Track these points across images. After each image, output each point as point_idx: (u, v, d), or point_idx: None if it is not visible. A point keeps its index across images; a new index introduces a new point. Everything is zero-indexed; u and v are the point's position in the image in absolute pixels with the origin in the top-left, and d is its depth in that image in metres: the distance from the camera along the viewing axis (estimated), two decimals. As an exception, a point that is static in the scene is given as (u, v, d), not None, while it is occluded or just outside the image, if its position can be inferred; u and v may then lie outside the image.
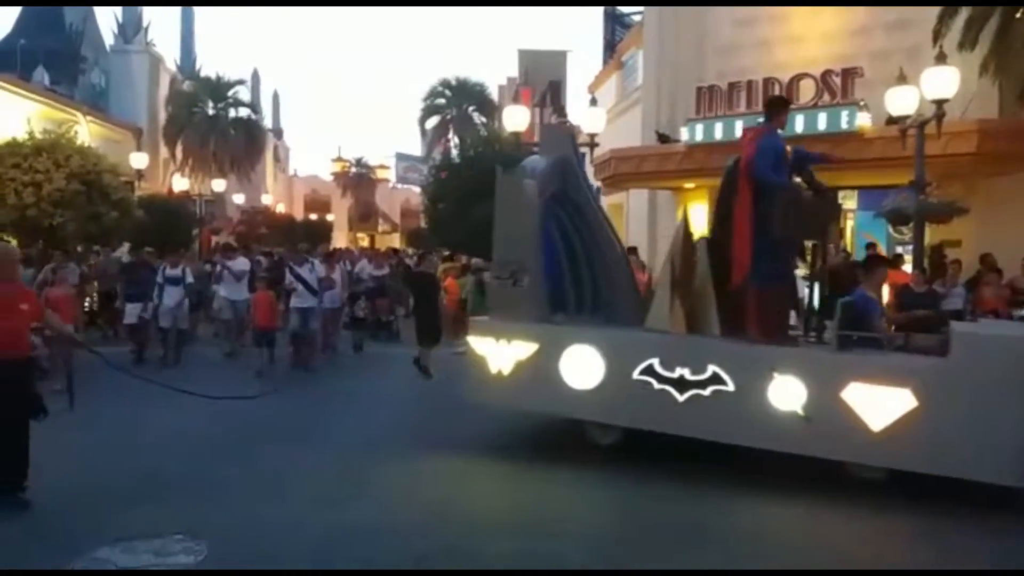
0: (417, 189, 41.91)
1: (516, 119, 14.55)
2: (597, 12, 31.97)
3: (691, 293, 6.96)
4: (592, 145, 14.54)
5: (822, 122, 14.40)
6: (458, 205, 18.85)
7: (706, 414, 6.48)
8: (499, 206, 7.60)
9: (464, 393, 7.77)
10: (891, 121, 12.37)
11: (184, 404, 7.81)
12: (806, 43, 15.98)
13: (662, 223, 18.72)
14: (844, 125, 14.13)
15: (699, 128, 15.82)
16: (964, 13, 11.67)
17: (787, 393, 6.20)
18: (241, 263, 13.18)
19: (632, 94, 21.92)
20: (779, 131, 6.87)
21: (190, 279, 12.42)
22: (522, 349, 7.26)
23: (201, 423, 8.04)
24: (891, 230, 15.50)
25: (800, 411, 6.13)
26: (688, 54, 17.84)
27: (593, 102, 15.65)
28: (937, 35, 11.69)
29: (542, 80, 35.35)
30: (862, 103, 14.05)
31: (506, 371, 7.34)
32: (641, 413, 6.79)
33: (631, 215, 21.12)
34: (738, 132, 15.31)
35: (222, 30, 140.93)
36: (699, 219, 17.69)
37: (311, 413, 8.90)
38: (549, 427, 7.80)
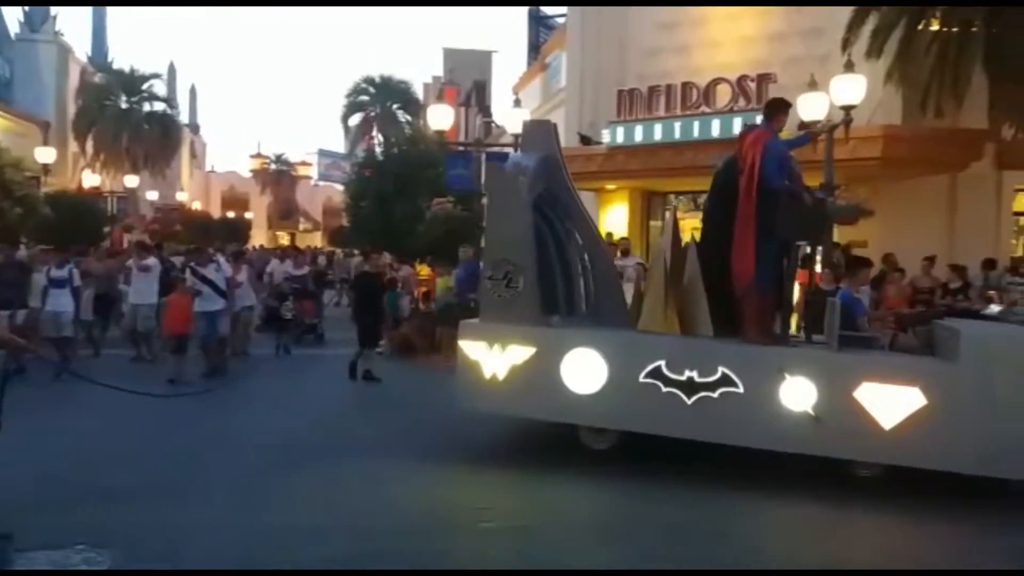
0: (340, 187, 41.25)
1: (440, 117, 14.52)
2: (522, 13, 32.15)
3: (680, 294, 6.95)
4: (516, 146, 14.62)
5: (737, 126, 14.78)
6: (381, 203, 18.70)
7: (715, 417, 6.41)
8: (491, 204, 7.37)
9: (456, 401, 7.37)
10: (803, 126, 12.82)
11: (97, 408, 7.50)
12: (724, 48, 16.40)
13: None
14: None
15: (620, 131, 16.08)
16: (871, 23, 12.19)
17: (798, 394, 6.22)
18: (151, 262, 12.56)
19: (556, 95, 22.12)
20: (779, 131, 6.95)
21: (77, 282, 11.41)
22: (519, 353, 6.95)
23: (117, 428, 7.74)
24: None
25: (811, 411, 6.16)
26: (610, 57, 18.10)
27: (517, 103, 15.74)
28: (846, 44, 12.17)
29: (467, 79, 35.33)
30: (775, 109, 14.50)
31: (501, 376, 7.00)
32: (647, 417, 6.64)
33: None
34: (657, 135, 15.72)
35: (137, 22, 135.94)
36: (618, 221, 18.08)
37: (231, 416, 8.67)
38: (513, 430, 7.78)
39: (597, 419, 6.91)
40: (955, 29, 11.31)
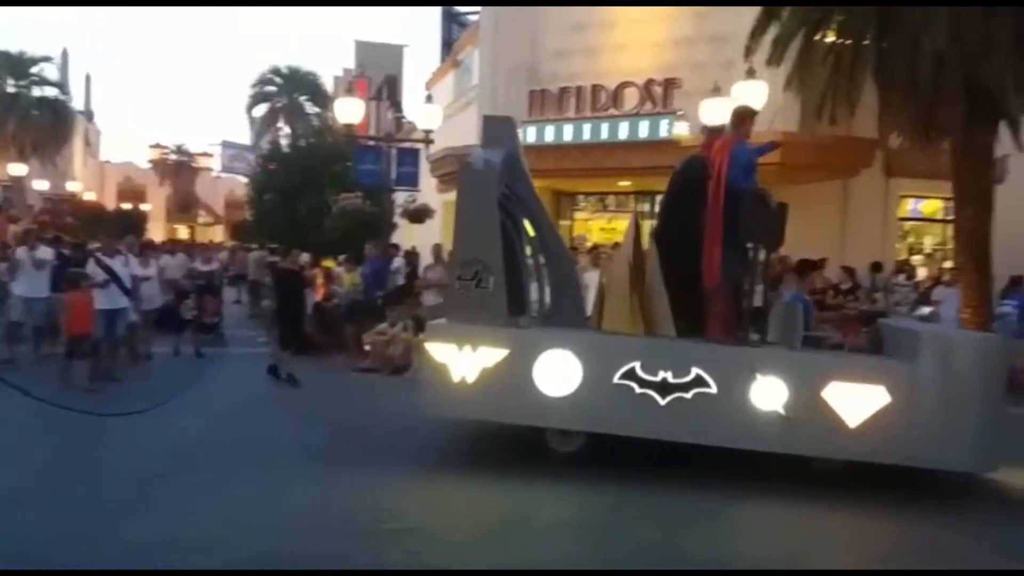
0: (243, 179, 40.02)
1: (350, 111, 14.24)
2: (435, 9, 31.92)
3: (642, 294, 6.94)
4: (427, 142, 14.51)
5: (644, 130, 15.15)
6: (286, 197, 18.23)
7: (689, 417, 6.45)
8: (462, 202, 7.08)
9: (421, 407, 7.10)
10: (706, 130, 13.18)
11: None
12: (632, 52, 16.71)
13: (496, 221, 18.94)
14: (664, 133, 14.93)
15: (531, 130, 16.16)
16: (772, 32, 12.63)
17: (769, 393, 6.35)
18: (43, 252, 11.72)
19: (468, 93, 22.05)
20: (747, 139, 7.07)
21: None
22: (490, 355, 6.73)
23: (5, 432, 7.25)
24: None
25: (781, 411, 6.31)
26: (522, 56, 18.17)
27: (429, 99, 15.60)
28: (748, 51, 12.56)
29: (379, 73, 34.73)
30: (680, 112, 14.88)
31: (471, 379, 6.77)
32: (621, 419, 6.60)
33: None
34: (567, 136, 15.88)
35: (28, 6, 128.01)
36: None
37: (127, 421, 8.23)
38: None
39: (571, 422, 6.80)
40: (849, 41, 11.82)
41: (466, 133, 19.25)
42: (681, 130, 14.81)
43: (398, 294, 13.01)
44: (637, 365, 6.54)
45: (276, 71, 40.88)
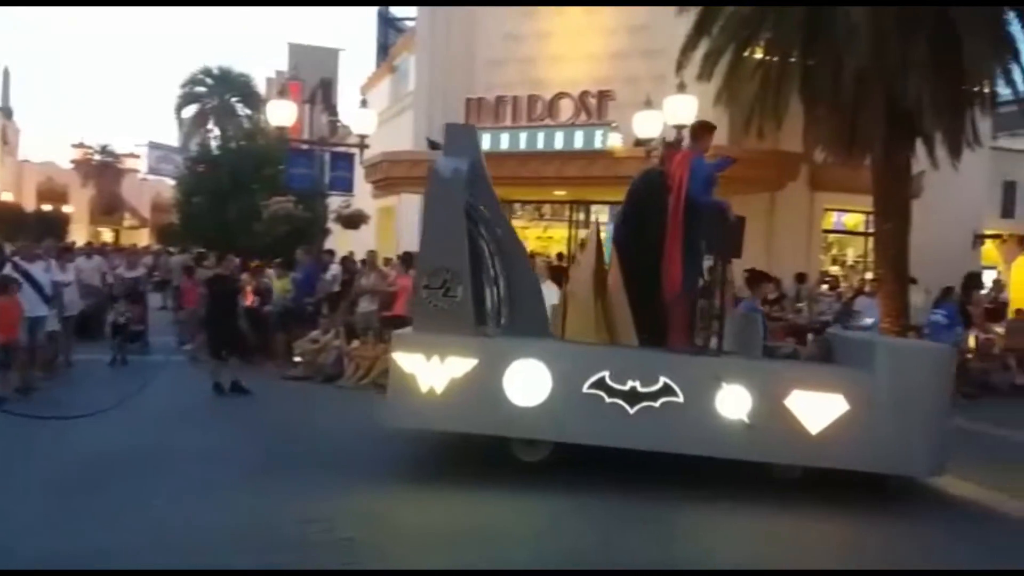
0: (171, 182, 38.92)
1: (282, 114, 13.98)
2: (372, 13, 31.69)
3: (604, 304, 6.99)
4: (362, 146, 14.37)
5: (579, 140, 15.32)
6: (215, 200, 17.83)
7: (657, 426, 6.47)
8: (429, 209, 7.02)
9: (384, 418, 7.00)
10: (639, 143, 13.42)
11: None
12: (567, 63, 16.90)
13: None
14: (598, 144, 15.12)
15: (468, 137, 16.15)
16: (703, 48, 12.93)
17: (733, 402, 6.47)
18: None
19: (404, 98, 21.95)
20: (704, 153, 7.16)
21: None
22: (459, 365, 6.63)
23: None
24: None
25: (745, 418, 6.42)
26: (459, 64, 18.18)
27: (364, 103, 15.44)
28: (679, 66, 12.84)
29: (313, 76, 34.29)
30: (614, 124, 15.10)
31: (439, 390, 6.64)
32: (591, 428, 6.58)
33: (403, 219, 21.11)
34: (503, 145, 15.93)
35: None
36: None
37: (48, 431, 7.88)
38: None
39: (540, 432, 6.74)
40: (776, 59, 12.19)
41: (402, 138, 19.18)
42: (615, 141, 15.01)
43: (333, 301, 12.82)
44: (607, 374, 6.56)
45: (207, 72, 39.97)
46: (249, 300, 13.92)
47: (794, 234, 16.47)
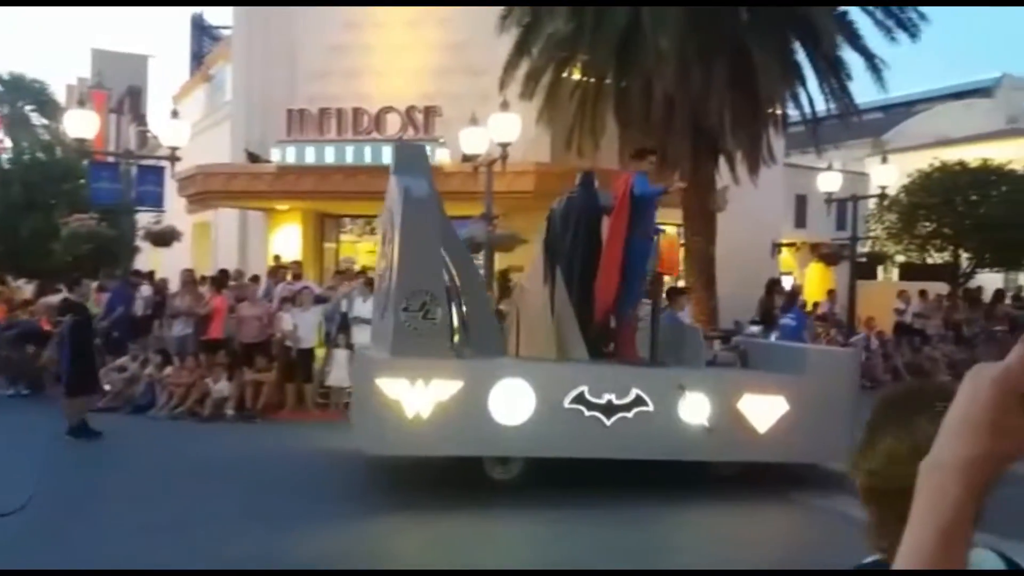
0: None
1: (83, 124, 12.92)
2: (184, 19, 30.04)
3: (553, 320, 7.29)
4: (173, 159, 13.54)
5: (407, 154, 15.23)
6: (7, 215, 16.18)
7: (631, 435, 6.83)
8: (405, 231, 6.83)
9: (368, 446, 6.85)
10: (466, 158, 13.57)
11: None
12: (393, 78, 16.79)
13: (253, 244, 18.12)
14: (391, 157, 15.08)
15: (290, 150, 15.68)
16: (524, 68, 13.30)
17: (696, 408, 6.99)
18: None
19: (221, 109, 20.94)
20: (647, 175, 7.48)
21: None
22: (444, 388, 6.56)
23: None
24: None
25: (705, 423, 6.94)
26: (279, 75, 17.59)
27: (175, 114, 14.58)
28: (503, 84, 13.13)
29: (120, 84, 32.09)
30: (442, 140, 15.17)
31: (425, 415, 6.52)
32: (573, 442, 6.80)
33: (221, 235, 20.10)
34: (329, 158, 15.57)
35: None
36: (291, 243, 17.57)
37: None
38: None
39: (526, 449, 6.86)
40: (592, 80, 12.76)
41: (219, 150, 18.28)
42: (444, 157, 15.08)
43: (143, 325, 11.95)
44: (585, 389, 6.83)
45: (-5, 76, 36.32)
46: (48, 325, 12.72)
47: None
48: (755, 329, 13.10)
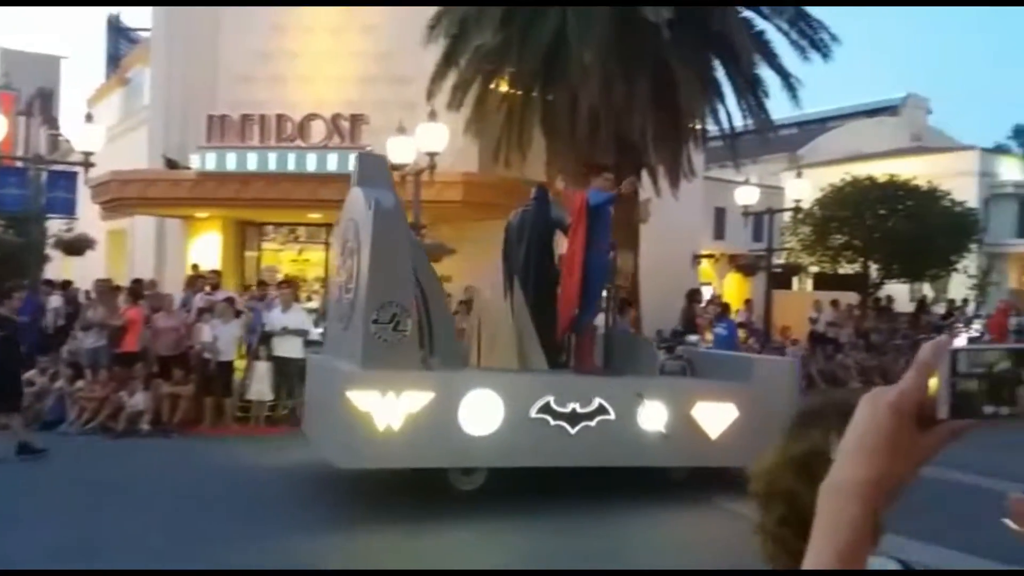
0: None
1: (-12, 127, 12.37)
2: (100, 20, 29.01)
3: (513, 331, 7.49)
4: (87, 165, 13.07)
5: (332, 163, 15.05)
6: None
7: (594, 443, 7.02)
8: (376, 243, 6.84)
9: (337, 460, 6.80)
10: (393, 168, 13.48)
11: None
12: (318, 85, 16.59)
13: (172, 252, 17.59)
14: (353, 167, 14.94)
15: (211, 157, 15.28)
16: (452, 79, 13.33)
17: (653, 416, 7.24)
18: None
19: (138, 113, 20.32)
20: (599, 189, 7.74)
21: None
22: (415, 400, 6.58)
23: None
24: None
25: (662, 429, 7.18)
26: (200, 79, 17.16)
27: (89, 118, 14.08)
28: (430, 94, 13.13)
29: (30, 86, 30.84)
30: (369, 148, 15.04)
31: (396, 427, 6.52)
32: (540, 451, 6.91)
33: (137, 243, 19.45)
34: (251, 165, 15.26)
35: None
36: (210, 251, 17.12)
37: None
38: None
39: (495, 459, 6.92)
40: (519, 92, 12.90)
41: (135, 156, 17.72)
42: (369, 165, 14.95)
43: (52, 338, 11.45)
44: (551, 399, 7.00)
45: None
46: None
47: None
48: (693, 339, 13.47)
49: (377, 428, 6.53)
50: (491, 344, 7.57)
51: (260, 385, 10.59)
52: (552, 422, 7.00)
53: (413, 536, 6.22)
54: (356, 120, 15.22)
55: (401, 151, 13.06)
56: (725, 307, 14.71)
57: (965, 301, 22.74)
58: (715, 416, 7.45)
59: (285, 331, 10.76)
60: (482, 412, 6.85)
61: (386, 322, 6.70)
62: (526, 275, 7.75)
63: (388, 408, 6.55)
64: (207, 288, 12.29)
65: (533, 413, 6.96)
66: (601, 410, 7.13)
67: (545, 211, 8.01)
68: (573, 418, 7.05)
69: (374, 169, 7.88)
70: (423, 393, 6.67)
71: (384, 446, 6.58)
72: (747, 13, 13.54)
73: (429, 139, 12.48)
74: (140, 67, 21.00)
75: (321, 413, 7.47)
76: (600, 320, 8.14)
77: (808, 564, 0.77)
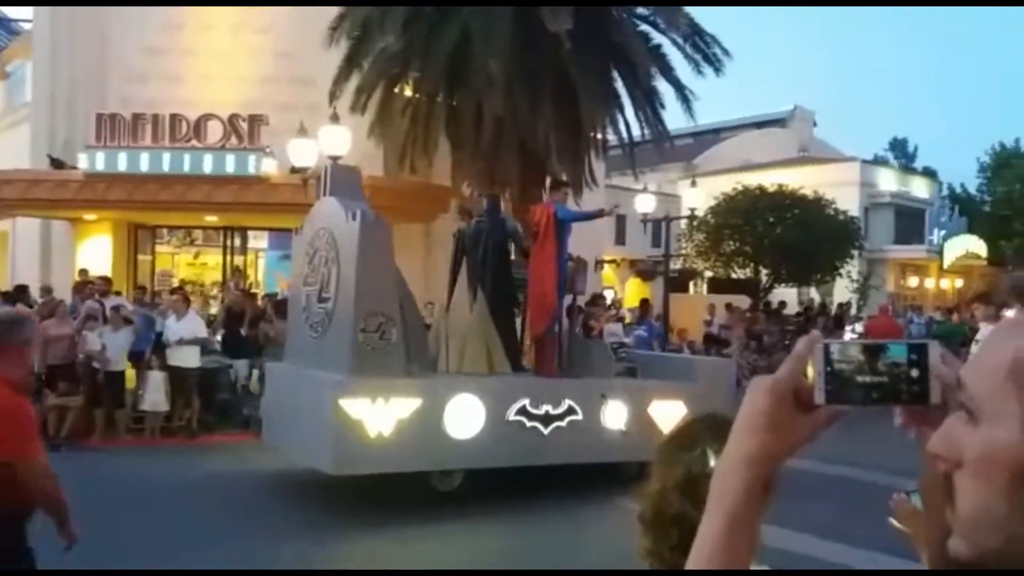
0: None
1: None
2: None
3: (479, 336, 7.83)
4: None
5: (230, 164, 14.68)
6: None
7: (564, 442, 7.47)
8: (362, 254, 7.02)
9: (330, 466, 6.86)
10: (295, 170, 13.27)
11: None
12: (215, 84, 16.11)
13: (58, 256, 16.72)
14: (252, 169, 14.61)
15: (100, 157, 14.63)
16: (355, 81, 13.20)
17: (615, 415, 7.81)
18: None
19: (20, 109, 19.23)
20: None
21: None
22: (404, 406, 6.89)
23: None
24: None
25: (623, 427, 7.73)
26: (88, 76, 16.41)
27: (-36, 113, 13.25)
28: (332, 97, 12.97)
29: None
30: (268, 150, 14.73)
31: (387, 432, 6.79)
32: (517, 452, 7.29)
33: (18, 246, 18.39)
34: (143, 166, 14.70)
35: None
36: (100, 255, 16.36)
37: None
38: None
39: (476, 461, 7.21)
40: (424, 97, 12.90)
41: (17, 153, 16.79)
42: (270, 167, 14.65)
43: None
44: (527, 402, 7.40)
45: None
46: None
47: (446, 263, 17.39)
48: (627, 341, 13.92)
49: (369, 435, 6.78)
50: (459, 351, 7.87)
51: (155, 395, 10.22)
52: (528, 424, 7.45)
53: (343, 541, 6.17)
54: (255, 121, 14.87)
55: (303, 154, 12.86)
56: (644, 310, 15.16)
57: (849, 303, 24.13)
58: (668, 413, 7.82)
59: (182, 342, 10.43)
60: (465, 416, 7.23)
61: (373, 331, 6.95)
62: (483, 283, 8.10)
63: (379, 415, 6.83)
64: (96, 296, 11.73)
65: (511, 416, 7.39)
66: (571, 411, 7.63)
67: (500, 222, 8.57)
68: (546, 419, 7.53)
69: (346, 180, 8.14)
70: (411, 399, 7.02)
71: (376, 452, 6.83)
72: (644, 27, 14.00)
73: (332, 142, 12.31)
74: (21, 60, 19.90)
75: (298, 422, 7.46)
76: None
77: (701, 529, 0.87)
